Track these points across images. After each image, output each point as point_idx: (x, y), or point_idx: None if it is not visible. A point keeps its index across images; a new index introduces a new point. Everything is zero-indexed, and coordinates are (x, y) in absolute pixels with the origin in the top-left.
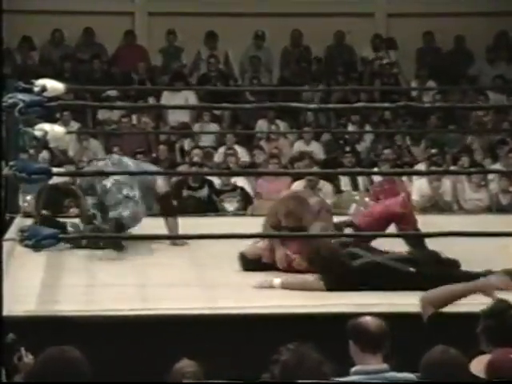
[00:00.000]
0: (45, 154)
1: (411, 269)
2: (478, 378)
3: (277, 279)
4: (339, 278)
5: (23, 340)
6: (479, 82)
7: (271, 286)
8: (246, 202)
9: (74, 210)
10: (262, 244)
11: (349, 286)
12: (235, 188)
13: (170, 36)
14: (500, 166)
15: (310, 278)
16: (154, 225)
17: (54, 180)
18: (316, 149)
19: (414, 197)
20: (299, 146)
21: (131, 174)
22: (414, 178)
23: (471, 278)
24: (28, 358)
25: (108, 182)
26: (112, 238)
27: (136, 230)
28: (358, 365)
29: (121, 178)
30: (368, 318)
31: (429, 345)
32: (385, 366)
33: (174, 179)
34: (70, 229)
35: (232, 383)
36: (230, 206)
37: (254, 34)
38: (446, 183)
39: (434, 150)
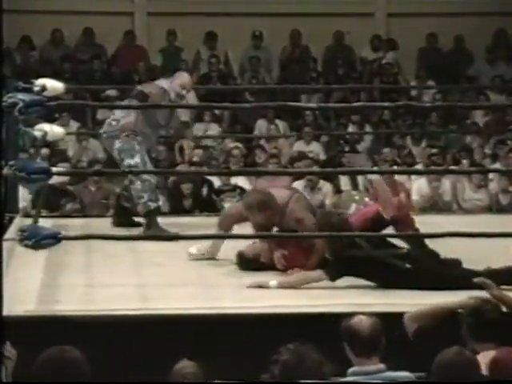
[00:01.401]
0: (45, 153)
1: (408, 265)
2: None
3: (273, 281)
4: (342, 268)
5: (23, 340)
6: (479, 83)
7: (267, 287)
8: None
9: (70, 206)
10: (259, 244)
11: (351, 273)
12: (235, 188)
13: (169, 36)
14: (500, 166)
15: (312, 273)
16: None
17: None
18: (316, 149)
19: (414, 197)
20: (299, 145)
21: (131, 173)
22: (414, 177)
23: (471, 277)
24: (11, 353)
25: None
26: (114, 238)
27: (137, 230)
28: (354, 366)
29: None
30: (359, 320)
31: (427, 344)
32: (381, 366)
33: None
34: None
35: (232, 383)
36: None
37: (251, 34)
38: (446, 183)
39: (434, 150)
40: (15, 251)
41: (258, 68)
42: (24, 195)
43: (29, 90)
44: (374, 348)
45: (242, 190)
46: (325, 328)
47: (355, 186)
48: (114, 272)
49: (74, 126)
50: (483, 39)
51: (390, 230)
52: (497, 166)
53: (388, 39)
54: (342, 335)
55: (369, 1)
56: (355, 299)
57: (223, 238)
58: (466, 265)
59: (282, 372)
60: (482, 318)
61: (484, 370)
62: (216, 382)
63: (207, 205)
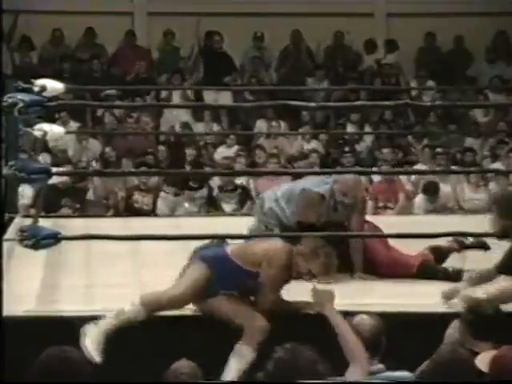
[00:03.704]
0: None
1: None
2: (484, 374)
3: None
4: None
5: (23, 340)
6: (478, 83)
7: None
8: (245, 201)
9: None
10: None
11: None
12: (236, 187)
13: (167, 36)
14: (500, 165)
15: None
16: (159, 224)
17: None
18: (316, 147)
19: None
20: (299, 144)
21: (131, 174)
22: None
23: None
24: None
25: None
26: (114, 238)
27: (139, 230)
28: None
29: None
30: (361, 320)
31: (427, 345)
32: (380, 366)
33: None
34: None
35: (232, 383)
36: (230, 205)
37: (253, 34)
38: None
39: (439, 149)
40: (15, 251)
41: (259, 68)
42: (25, 193)
43: (29, 90)
44: (375, 349)
45: (244, 188)
46: (325, 328)
47: None
48: (114, 272)
49: (74, 126)
50: (483, 40)
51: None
52: (497, 165)
53: (387, 40)
54: None
55: (369, 1)
56: (355, 299)
57: (223, 237)
58: (467, 264)
59: (276, 368)
60: (481, 315)
61: (485, 370)
62: (216, 381)
63: (208, 205)
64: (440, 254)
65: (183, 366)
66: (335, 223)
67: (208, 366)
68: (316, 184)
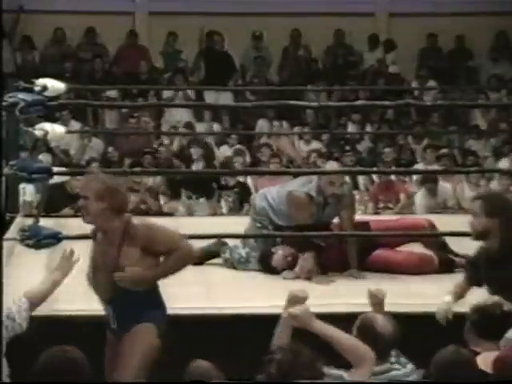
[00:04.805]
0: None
1: None
2: (487, 374)
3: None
4: None
5: (24, 340)
6: (479, 77)
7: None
8: (242, 199)
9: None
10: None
11: None
12: (235, 186)
13: (170, 37)
14: (506, 163)
15: None
16: (159, 224)
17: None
18: (317, 148)
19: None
20: (299, 145)
21: (131, 173)
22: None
23: None
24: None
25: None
26: None
27: None
28: None
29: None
30: (380, 321)
31: (428, 344)
32: (386, 366)
33: None
34: None
35: (232, 383)
36: (228, 204)
37: (251, 34)
38: (447, 186)
39: (444, 150)
40: (15, 250)
41: (261, 68)
42: (26, 190)
43: (30, 90)
44: (387, 352)
45: (244, 186)
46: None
47: (355, 186)
48: None
49: (75, 125)
50: (484, 39)
51: None
52: (503, 163)
53: (385, 40)
54: (357, 331)
55: (370, 1)
56: (355, 299)
57: (226, 237)
58: None
59: (279, 370)
60: (487, 315)
61: (487, 370)
62: (215, 381)
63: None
64: (447, 265)
65: (201, 365)
66: (326, 222)
67: None
68: (301, 184)
